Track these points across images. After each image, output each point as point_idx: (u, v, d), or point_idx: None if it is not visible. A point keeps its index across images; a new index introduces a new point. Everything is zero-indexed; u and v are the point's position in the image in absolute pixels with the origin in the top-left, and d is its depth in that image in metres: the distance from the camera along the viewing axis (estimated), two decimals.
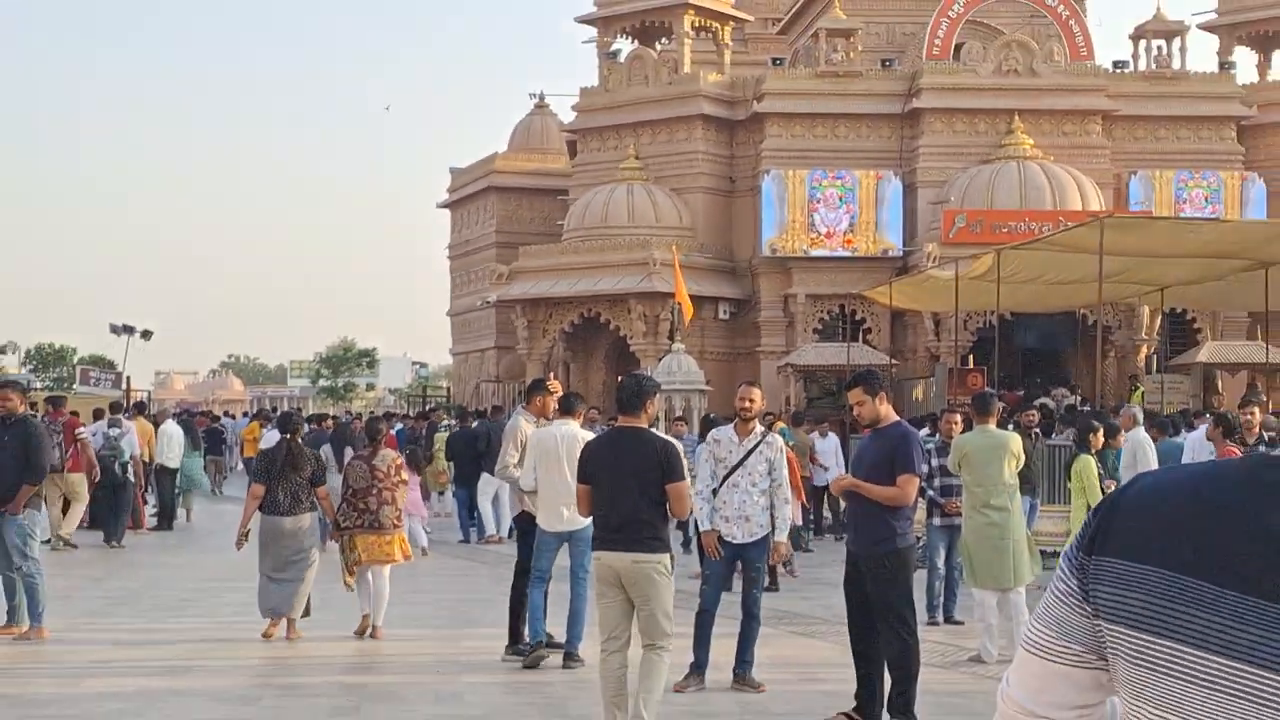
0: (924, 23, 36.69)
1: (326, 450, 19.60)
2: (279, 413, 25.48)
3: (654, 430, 9.93)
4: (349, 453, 19.91)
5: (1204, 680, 1.93)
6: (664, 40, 38.48)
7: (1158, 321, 32.59)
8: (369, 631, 13.58)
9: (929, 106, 35.69)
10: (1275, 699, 1.84)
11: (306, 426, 23.75)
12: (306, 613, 13.67)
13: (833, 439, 22.40)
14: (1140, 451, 14.23)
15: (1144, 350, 32.71)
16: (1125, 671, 2.05)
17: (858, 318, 34.86)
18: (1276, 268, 23.11)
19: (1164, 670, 1.98)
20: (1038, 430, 18.52)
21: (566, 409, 12.51)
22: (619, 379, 15.87)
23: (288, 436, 14.69)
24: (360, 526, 13.63)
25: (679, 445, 10.14)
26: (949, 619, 14.50)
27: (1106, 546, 2.05)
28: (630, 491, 9.06)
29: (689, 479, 9.97)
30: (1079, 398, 26.15)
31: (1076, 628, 2.11)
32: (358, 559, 13.58)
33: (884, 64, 37.24)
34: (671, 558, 9.25)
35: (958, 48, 36.31)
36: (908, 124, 36.12)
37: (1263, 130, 37.45)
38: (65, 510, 21.82)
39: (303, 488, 13.71)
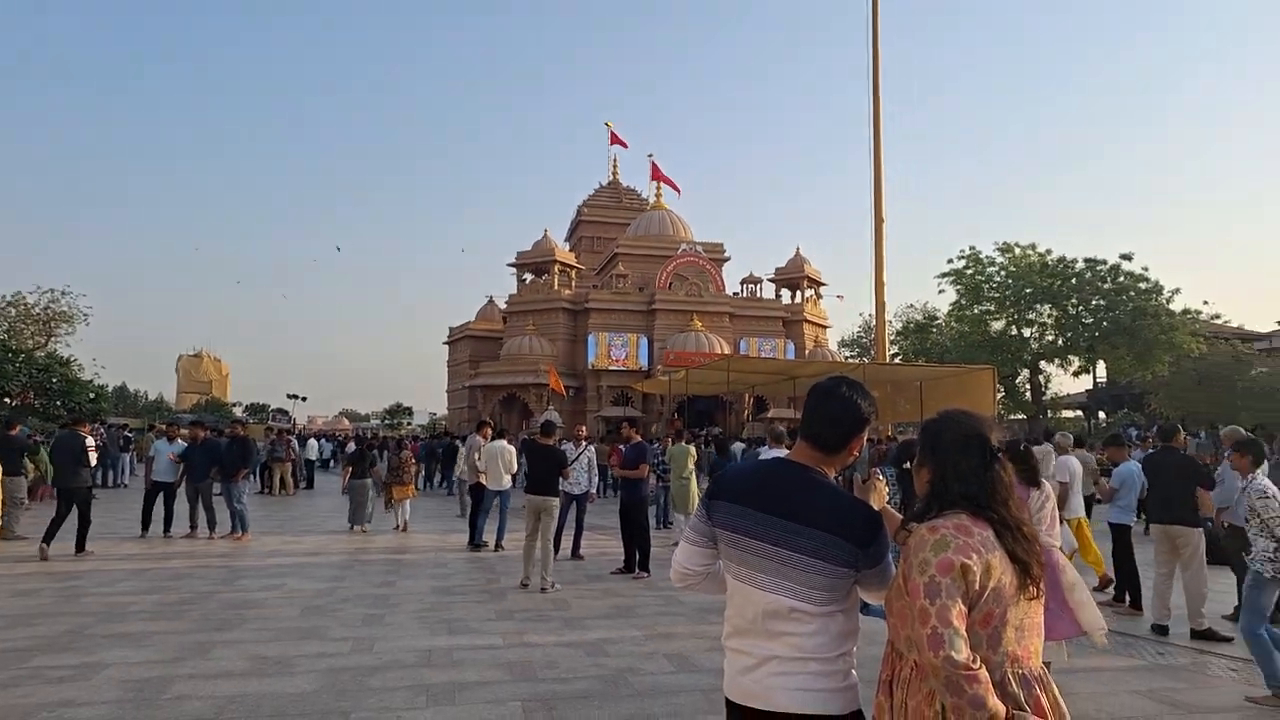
0: (656, 271, 37.13)
1: (375, 454, 18.83)
2: (358, 438, 24.92)
3: (556, 443, 9.62)
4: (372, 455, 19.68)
5: (740, 545, 2.17)
6: (546, 274, 38.18)
7: (751, 400, 33.20)
8: (402, 528, 13.26)
9: (659, 309, 36.03)
10: (762, 549, 2.12)
11: (379, 444, 23.05)
12: (369, 520, 13.44)
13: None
14: (687, 453, 12.94)
15: (746, 412, 33.20)
16: (722, 548, 2.23)
17: (628, 395, 34.73)
18: (799, 380, 23.71)
19: (735, 546, 2.18)
20: (701, 444, 18.49)
21: (499, 434, 12.31)
22: (536, 421, 15.57)
23: (360, 446, 15.52)
24: (396, 483, 13.59)
25: (567, 450, 10.39)
26: (666, 526, 14.26)
27: (716, 495, 2.26)
28: (545, 470, 8.86)
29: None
30: (719, 431, 26.37)
31: (705, 531, 2.28)
32: (392, 496, 13.54)
33: (640, 289, 37.59)
34: (558, 500, 9.03)
35: (670, 284, 36.82)
36: (649, 315, 36.41)
37: (792, 323, 38.62)
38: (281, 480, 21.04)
39: (365, 467, 13.63)
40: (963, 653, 1.77)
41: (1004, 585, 1.86)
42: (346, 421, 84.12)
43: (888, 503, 2.43)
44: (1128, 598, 7.92)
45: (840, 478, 2.86)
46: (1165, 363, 31.69)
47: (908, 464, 10.70)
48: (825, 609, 2.05)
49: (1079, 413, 42.19)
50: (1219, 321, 36.43)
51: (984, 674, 1.78)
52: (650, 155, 44.87)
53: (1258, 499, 5.55)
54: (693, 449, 12.47)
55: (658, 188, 43.38)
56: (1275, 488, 5.62)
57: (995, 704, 1.76)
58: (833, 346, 42.45)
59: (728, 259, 40.12)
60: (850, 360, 39.89)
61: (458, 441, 17.49)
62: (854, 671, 2.12)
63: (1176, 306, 31.18)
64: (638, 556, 9.58)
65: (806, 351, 37.13)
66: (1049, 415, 35.87)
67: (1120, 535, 8.15)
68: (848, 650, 2.09)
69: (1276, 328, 45.88)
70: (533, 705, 4.83)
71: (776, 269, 40.33)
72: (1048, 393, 35.01)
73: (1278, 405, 30.67)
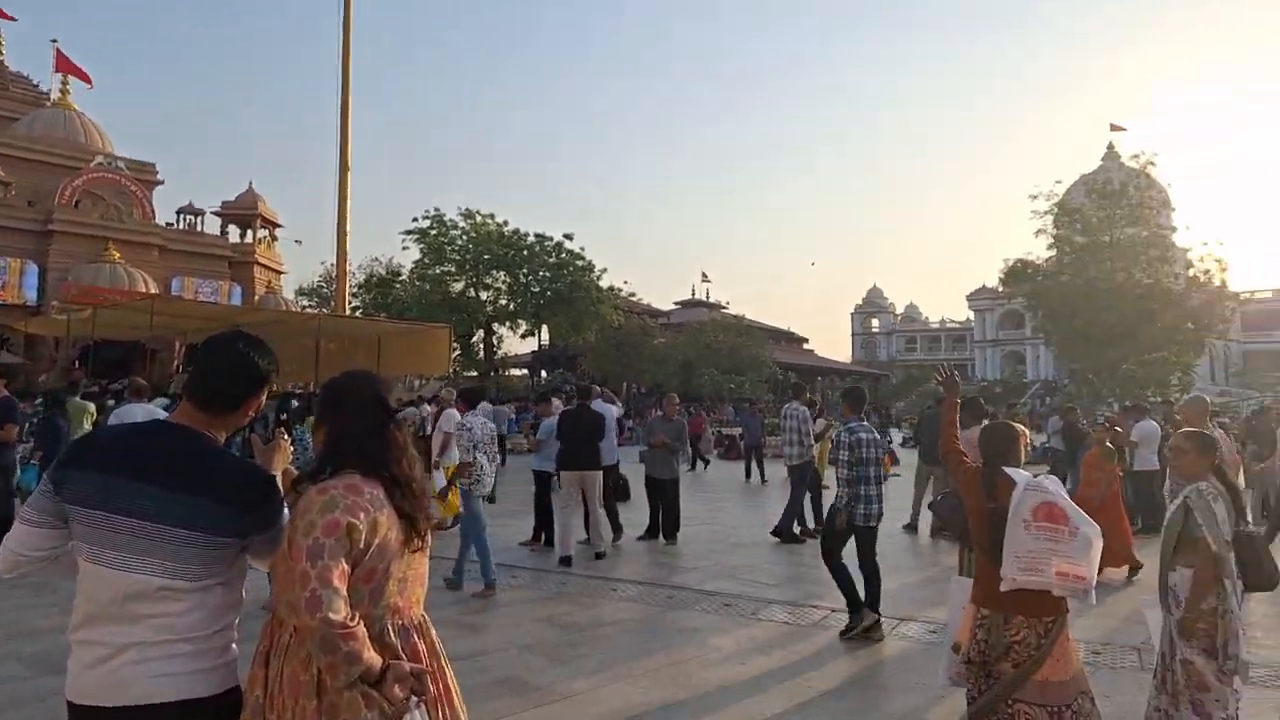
0: (58, 184, 30.24)
1: None
2: None
3: None
4: None
5: (98, 521, 1.95)
6: None
7: (183, 348, 29.23)
8: None
9: (58, 230, 29.43)
10: (128, 525, 1.93)
11: None
12: None
13: None
14: (84, 410, 10.32)
15: (176, 362, 28.90)
16: (75, 526, 1.97)
17: (5, 336, 27.77)
18: (247, 328, 21.83)
19: (93, 522, 1.96)
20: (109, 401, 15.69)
21: None
22: None
23: None
24: None
25: None
26: None
27: (72, 463, 2.00)
28: None
29: None
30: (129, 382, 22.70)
31: (51, 508, 2.00)
32: None
33: (30, 203, 30.13)
34: None
35: (78, 202, 30.40)
36: (43, 238, 29.57)
37: (240, 265, 35.03)
38: None
39: None
40: (340, 612, 1.82)
41: (390, 540, 1.96)
42: None
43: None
44: (544, 536, 8.93)
45: (242, 436, 2.79)
46: (593, 330, 36.95)
47: (284, 416, 10.36)
48: (202, 583, 1.96)
49: (525, 371, 47.08)
50: (634, 299, 42.91)
51: (361, 630, 1.85)
52: (55, 41, 36.03)
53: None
54: (92, 406, 10.44)
55: (64, 80, 35.35)
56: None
57: (371, 657, 1.84)
58: (289, 294, 40.10)
59: (160, 183, 34.81)
60: (309, 310, 37.75)
61: None
62: (234, 646, 2.05)
63: (604, 284, 36.48)
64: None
65: (257, 297, 34.39)
66: (500, 373, 39.31)
67: (540, 480, 9.11)
68: (228, 624, 2.03)
69: (673, 308, 58.14)
70: None
71: (224, 203, 36.36)
72: (499, 352, 38.36)
73: (669, 369, 38.79)
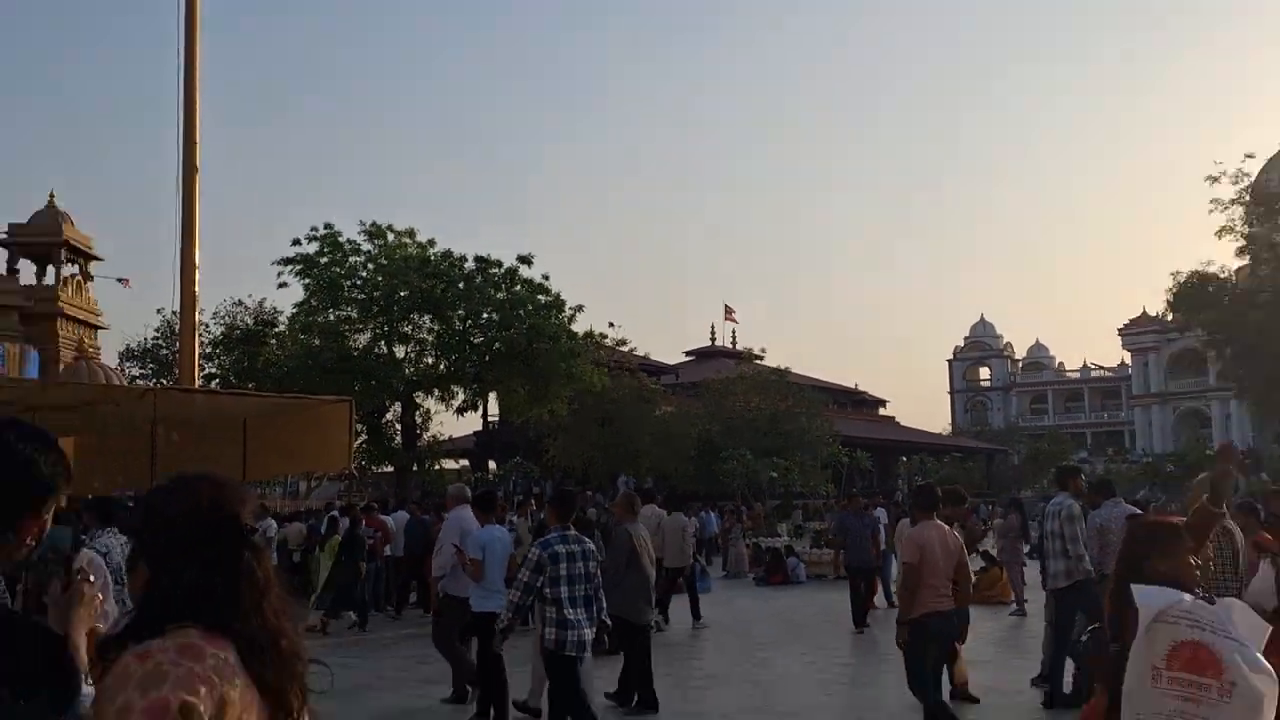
0: None
1: None
2: None
3: None
4: None
5: None
6: None
7: None
8: None
9: None
10: None
11: None
12: None
13: None
14: None
15: None
16: None
17: None
18: (42, 412, 21.62)
19: None
20: None
21: None
22: None
23: None
24: None
25: None
26: None
27: None
28: None
29: None
30: None
31: None
32: None
33: None
34: None
35: None
36: None
37: (37, 317, 34.87)
38: None
39: None
40: None
41: None
42: None
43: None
44: (491, 711, 9.43)
45: (23, 580, 2.97)
46: (565, 400, 36.85)
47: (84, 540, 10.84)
48: None
49: (464, 462, 47.61)
50: (626, 349, 42.47)
51: None
52: None
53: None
54: None
55: None
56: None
57: None
58: (110, 358, 39.45)
59: None
60: (140, 382, 38.47)
61: None
62: None
63: (580, 328, 36.22)
64: None
65: (62, 365, 34.23)
66: (427, 465, 38.91)
67: (478, 627, 9.59)
68: None
69: (684, 360, 58.06)
70: None
71: (11, 226, 36.45)
72: (426, 435, 38.18)
73: (679, 453, 38.67)
